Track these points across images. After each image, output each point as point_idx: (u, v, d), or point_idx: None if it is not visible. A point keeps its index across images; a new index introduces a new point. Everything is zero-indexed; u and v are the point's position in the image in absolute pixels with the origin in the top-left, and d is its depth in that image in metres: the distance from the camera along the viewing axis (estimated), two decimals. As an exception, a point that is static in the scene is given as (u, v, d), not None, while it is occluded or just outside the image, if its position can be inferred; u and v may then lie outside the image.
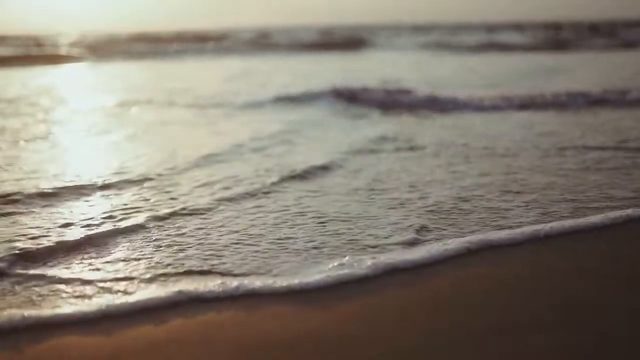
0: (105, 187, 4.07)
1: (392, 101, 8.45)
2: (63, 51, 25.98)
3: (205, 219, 3.38)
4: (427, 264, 2.73)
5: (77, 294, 2.42)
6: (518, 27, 46.32)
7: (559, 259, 2.83)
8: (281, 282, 2.50)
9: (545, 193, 3.82)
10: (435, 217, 3.38)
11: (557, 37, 30.68)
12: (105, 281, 2.53)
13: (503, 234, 3.07)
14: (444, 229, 3.18)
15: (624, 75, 11.66)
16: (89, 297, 2.38)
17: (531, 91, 8.98)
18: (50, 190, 3.89)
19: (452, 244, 2.92)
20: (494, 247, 2.94)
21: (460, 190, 3.93)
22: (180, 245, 2.96)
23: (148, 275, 2.58)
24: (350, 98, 8.75)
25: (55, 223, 3.29)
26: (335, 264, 2.66)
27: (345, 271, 2.58)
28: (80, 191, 3.93)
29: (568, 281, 2.59)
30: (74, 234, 3.13)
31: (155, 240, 3.00)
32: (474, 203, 3.63)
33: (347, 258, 2.71)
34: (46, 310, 2.28)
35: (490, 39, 30.64)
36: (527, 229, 3.13)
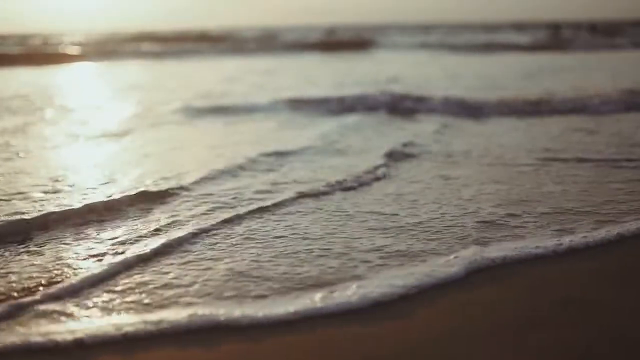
0: (116, 204, 3.77)
1: (406, 106, 8.31)
2: (67, 50, 25.92)
3: (208, 241, 3.17)
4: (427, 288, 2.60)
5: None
6: (521, 26, 46.16)
7: (569, 266, 2.81)
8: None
9: (562, 205, 3.71)
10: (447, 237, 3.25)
11: (574, 37, 30.61)
12: (87, 307, 2.43)
13: (512, 249, 2.97)
14: (454, 244, 3.08)
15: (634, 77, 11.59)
16: (66, 322, 2.30)
17: (549, 94, 8.80)
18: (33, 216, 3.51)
19: (469, 258, 2.83)
20: (506, 263, 2.85)
21: (470, 203, 3.80)
22: (169, 273, 2.77)
23: (116, 307, 2.45)
24: (364, 103, 8.55)
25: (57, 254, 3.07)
26: (321, 295, 2.49)
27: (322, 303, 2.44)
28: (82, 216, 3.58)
29: (573, 282, 2.61)
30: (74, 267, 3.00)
31: (131, 269, 2.80)
32: (487, 217, 3.49)
33: (326, 292, 2.53)
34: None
35: (493, 38, 30.58)
36: (542, 243, 3.03)
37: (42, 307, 2.43)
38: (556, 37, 32.09)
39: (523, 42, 27.04)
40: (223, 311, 2.36)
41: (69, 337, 2.20)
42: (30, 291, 2.58)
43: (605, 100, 8.06)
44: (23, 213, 3.57)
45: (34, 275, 2.75)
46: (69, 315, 2.36)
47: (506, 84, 10.95)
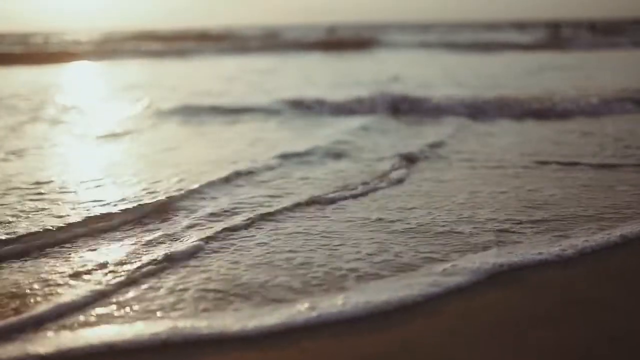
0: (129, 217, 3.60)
1: (407, 106, 8.25)
2: (67, 49, 25.91)
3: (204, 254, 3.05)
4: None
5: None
6: (521, 26, 46.09)
7: (571, 269, 2.80)
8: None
9: (563, 208, 3.66)
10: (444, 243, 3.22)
11: (573, 36, 30.60)
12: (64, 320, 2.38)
13: (513, 255, 2.93)
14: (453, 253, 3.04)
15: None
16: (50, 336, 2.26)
17: (549, 94, 8.70)
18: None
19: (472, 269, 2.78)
20: (509, 269, 2.80)
21: (470, 208, 3.76)
22: (152, 285, 2.68)
23: (101, 320, 2.39)
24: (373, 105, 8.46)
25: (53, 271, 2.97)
26: (307, 305, 2.44)
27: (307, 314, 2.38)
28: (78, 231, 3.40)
29: (574, 284, 2.62)
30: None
31: (115, 282, 2.70)
32: (488, 222, 3.44)
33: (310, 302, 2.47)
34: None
35: (494, 37, 30.57)
36: (543, 249, 2.98)
37: (25, 322, 2.35)
38: (556, 36, 32.12)
39: (523, 41, 27.07)
40: (206, 323, 2.30)
41: (53, 349, 2.15)
42: (12, 309, 2.47)
43: (605, 101, 8.03)
44: (7, 223, 3.45)
45: (15, 293, 2.62)
46: (54, 328, 2.30)
47: (507, 83, 10.92)
